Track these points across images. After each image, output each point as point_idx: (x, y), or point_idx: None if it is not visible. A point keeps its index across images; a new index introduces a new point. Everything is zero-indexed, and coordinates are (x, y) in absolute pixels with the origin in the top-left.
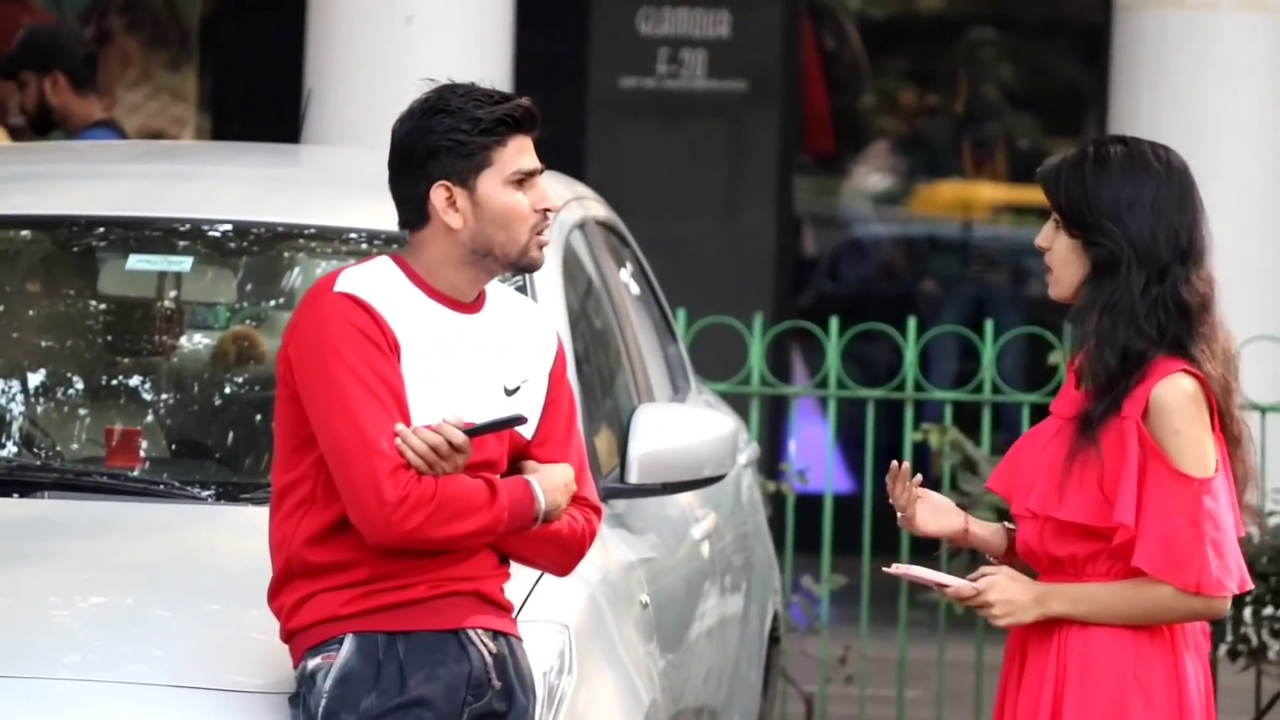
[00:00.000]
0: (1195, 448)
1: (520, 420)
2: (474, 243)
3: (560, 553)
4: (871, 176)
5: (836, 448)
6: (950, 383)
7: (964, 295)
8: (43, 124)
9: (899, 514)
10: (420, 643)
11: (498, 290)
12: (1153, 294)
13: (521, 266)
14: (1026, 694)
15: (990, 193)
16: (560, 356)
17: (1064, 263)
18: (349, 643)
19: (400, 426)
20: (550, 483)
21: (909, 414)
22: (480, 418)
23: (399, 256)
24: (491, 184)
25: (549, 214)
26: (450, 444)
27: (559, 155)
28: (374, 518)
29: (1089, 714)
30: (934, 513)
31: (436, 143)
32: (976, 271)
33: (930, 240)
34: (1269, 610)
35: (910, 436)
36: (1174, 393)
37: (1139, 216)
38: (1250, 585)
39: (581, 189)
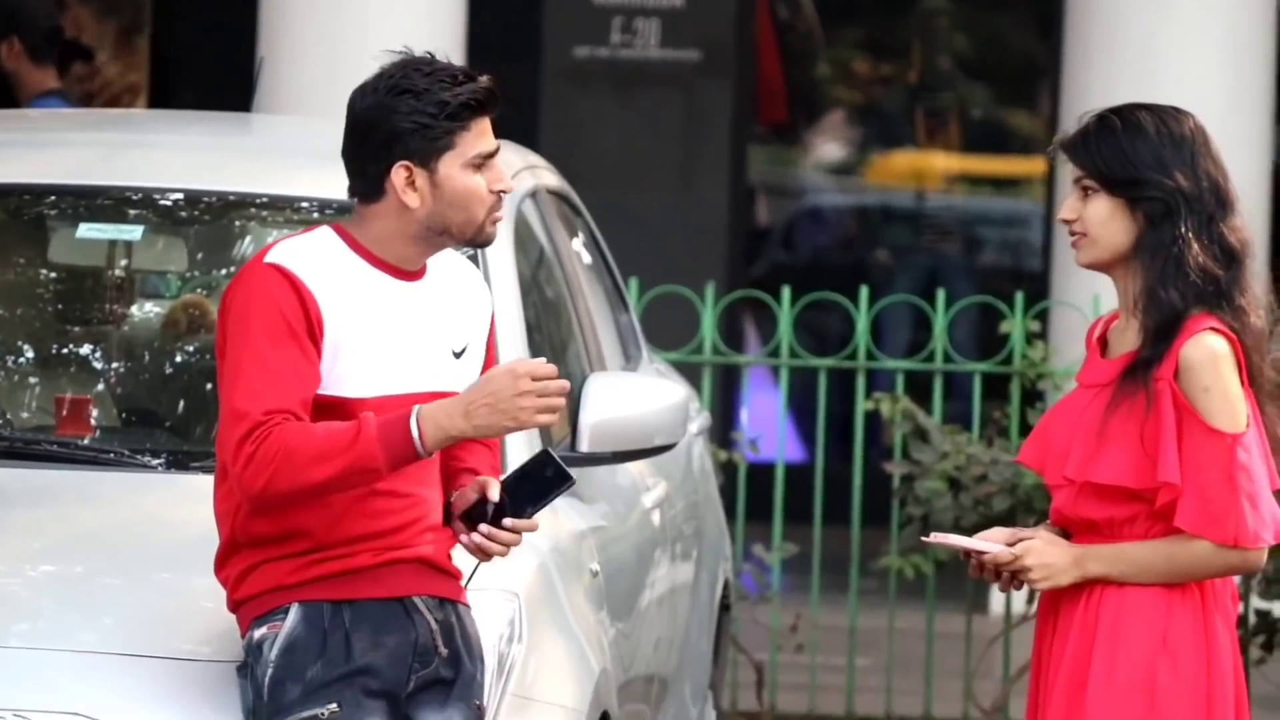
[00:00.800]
0: (1225, 403)
1: (572, 483)
2: (429, 221)
3: None
4: (825, 146)
5: (788, 416)
6: (902, 352)
7: (917, 265)
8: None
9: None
10: (365, 611)
11: (437, 256)
12: (1204, 240)
13: (476, 244)
14: (1058, 651)
15: (944, 162)
16: (492, 319)
17: (1105, 225)
18: (294, 612)
19: (475, 535)
20: (442, 408)
21: (861, 383)
22: (435, 382)
23: (341, 226)
24: (452, 167)
25: (503, 195)
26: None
27: (512, 124)
28: (232, 480)
29: (1115, 674)
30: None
31: (401, 124)
32: (929, 241)
33: (883, 210)
34: None
35: (862, 405)
36: (1201, 350)
37: (1182, 170)
38: None
39: (534, 158)
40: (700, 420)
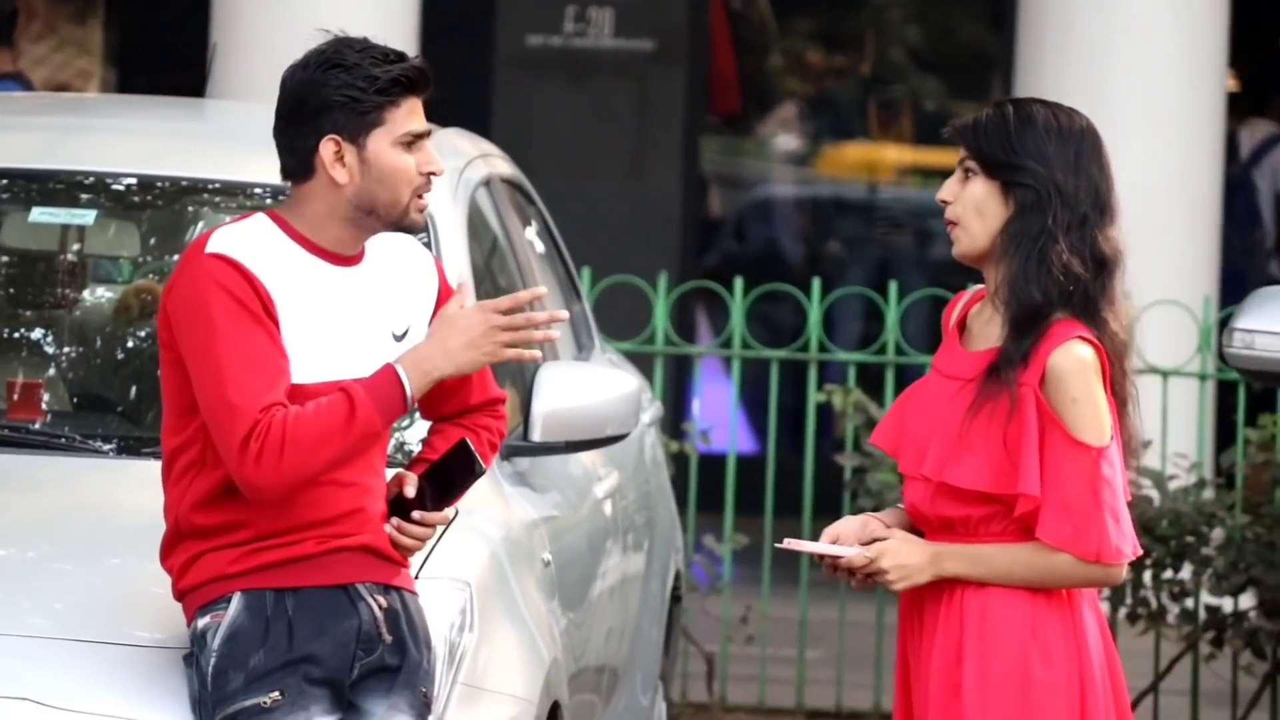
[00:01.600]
0: (1093, 415)
1: (480, 474)
2: (357, 199)
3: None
4: (778, 137)
5: (740, 408)
6: (854, 344)
7: (869, 257)
8: None
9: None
10: (308, 599)
11: (379, 238)
12: (1073, 239)
13: (402, 227)
14: (925, 653)
15: (896, 155)
16: (442, 282)
17: (978, 209)
18: (236, 601)
19: (388, 527)
20: (422, 355)
21: (813, 375)
22: (376, 367)
23: (276, 213)
24: (381, 143)
25: (433, 177)
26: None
27: (465, 112)
28: (239, 478)
29: (989, 673)
30: (859, 538)
31: (330, 97)
32: (881, 233)
33: (836, 202)
34: (1168, 574)
35: (814, 397)
36: (1071, 360)
37: (1063, 165)
38: (1140, 551)
39: (487, 146)
40: (652, 411)
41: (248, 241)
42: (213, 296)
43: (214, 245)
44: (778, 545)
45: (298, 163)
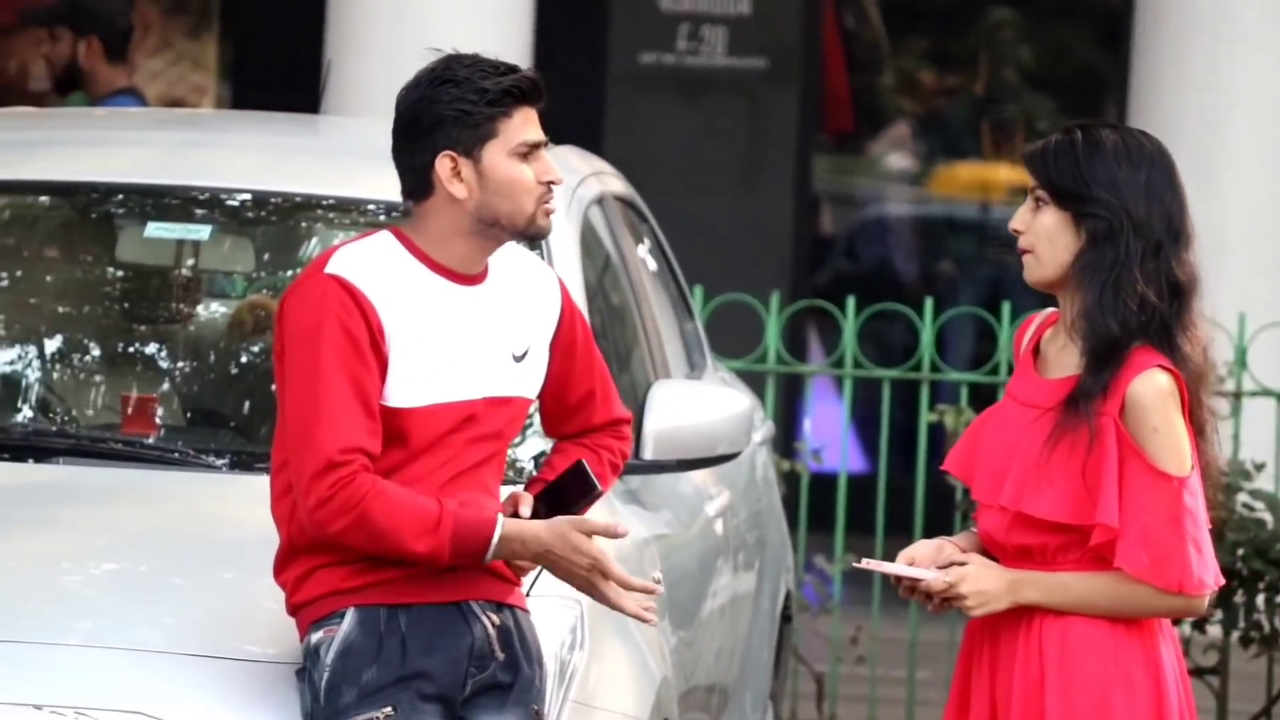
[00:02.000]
0: (1174, 445)
1: (598, 495)
2: (479, 213)
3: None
4: (890, 156)
5: (851, 427)
6: (966, 364)
7: (981, 276)
8: (67, 84)
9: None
10: (422, 615)
11: (505, 252)
12: (1148, 268)
13: (529, 235)
14: (1001, 682)
15: (1008, 174)
16: (565, 301)
17: (1050, 240)
18: (350, 616)
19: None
20: (519, 534)
21: (924, 395)
22: (494, 388)
23: (400, 230)
24: (496, 155)
25: (553, 186)
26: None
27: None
28: (302, 506)
29: (1073, 703)
30: (934, 561)
31: (442, 112)
32: (994, 253)
33: (948, 221)
34: None
35: (925, 417)
36: (1151, 389)
37: (1134, 193)
38: (1222, 581)
39: (600, 164)
40: (764, 430)
41: (367, 263)
42: (325, 323)
43: (334, 266)
44: (855, 565)
45: (416, 181)
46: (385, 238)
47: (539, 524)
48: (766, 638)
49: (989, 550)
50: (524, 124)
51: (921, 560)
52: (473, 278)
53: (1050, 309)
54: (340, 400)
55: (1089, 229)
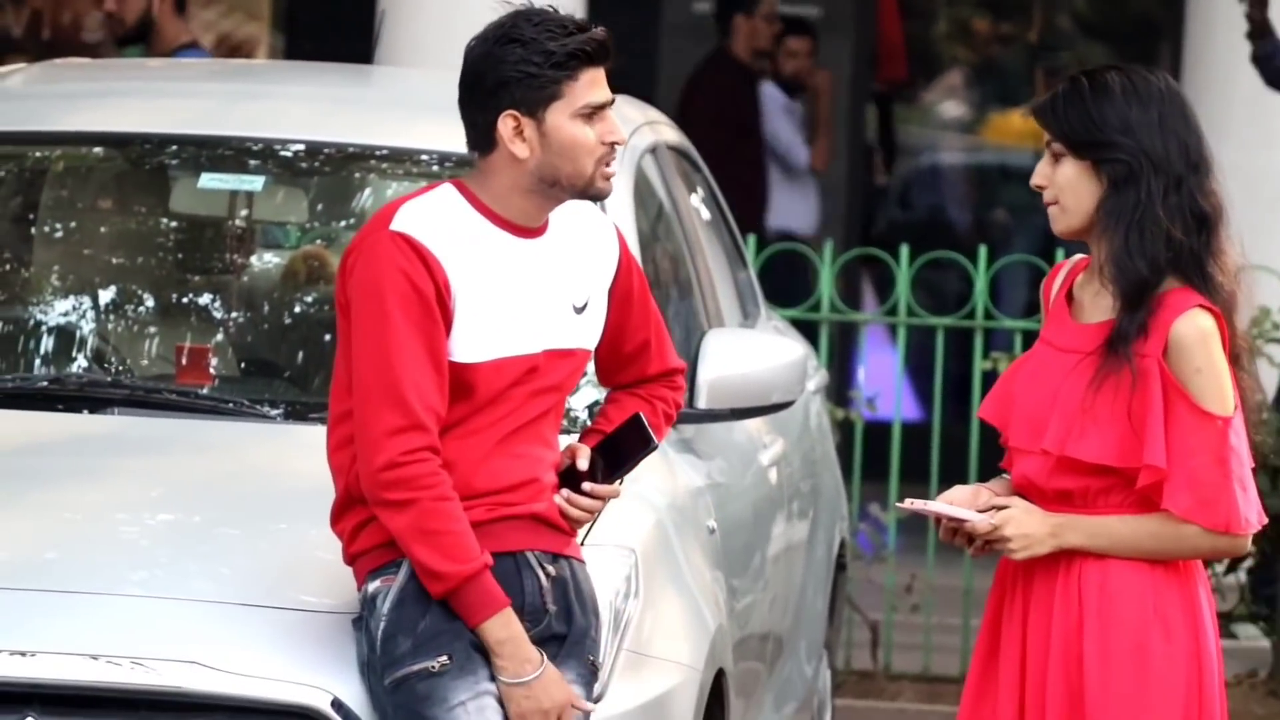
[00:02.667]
0: (1217, 385)
1: (654, 448)
2: (540, 172)
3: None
4: (944, 104)
5: (905, 375)
6: (1020, 311)
7: (1034, 224)
8: (134, 37)
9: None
10: None
11: (563, 208)
12: (1171, 203)
13: (589, 196)
14: (1035, 625)
15: None
16: (623, 251)
17: (1073, 190)
18: (406, 565)
19: (557, 497)
20: (512, 638)
21: (978, 342)
22: (555, 340)
23: (462, 183)
24: (560, 116)
25: (616, 146)
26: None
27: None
28: (366, 463)
29: (1109, 647)
30: (972, 506)
31: (507, 73)
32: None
33: (1001, 169)
34: None
35: (979, 365)
36: (1193, 330)
37: (1148, 131)
38: (1266, 520)
39: (654, 113)
40: (818, 378)
41: (432, 218)
42: (392, 281)
43: (399, 223)
44: (898, 505)
45: (479, 136)
46: (447, 191)
47: (535, 653)
48: (821, 586)
49: (1025, 496)
50: (589, 86)
51: (959, 504)
52: (534, 230)
53: (1080, 255)
54: (412, 359)
55: (1109, 174)
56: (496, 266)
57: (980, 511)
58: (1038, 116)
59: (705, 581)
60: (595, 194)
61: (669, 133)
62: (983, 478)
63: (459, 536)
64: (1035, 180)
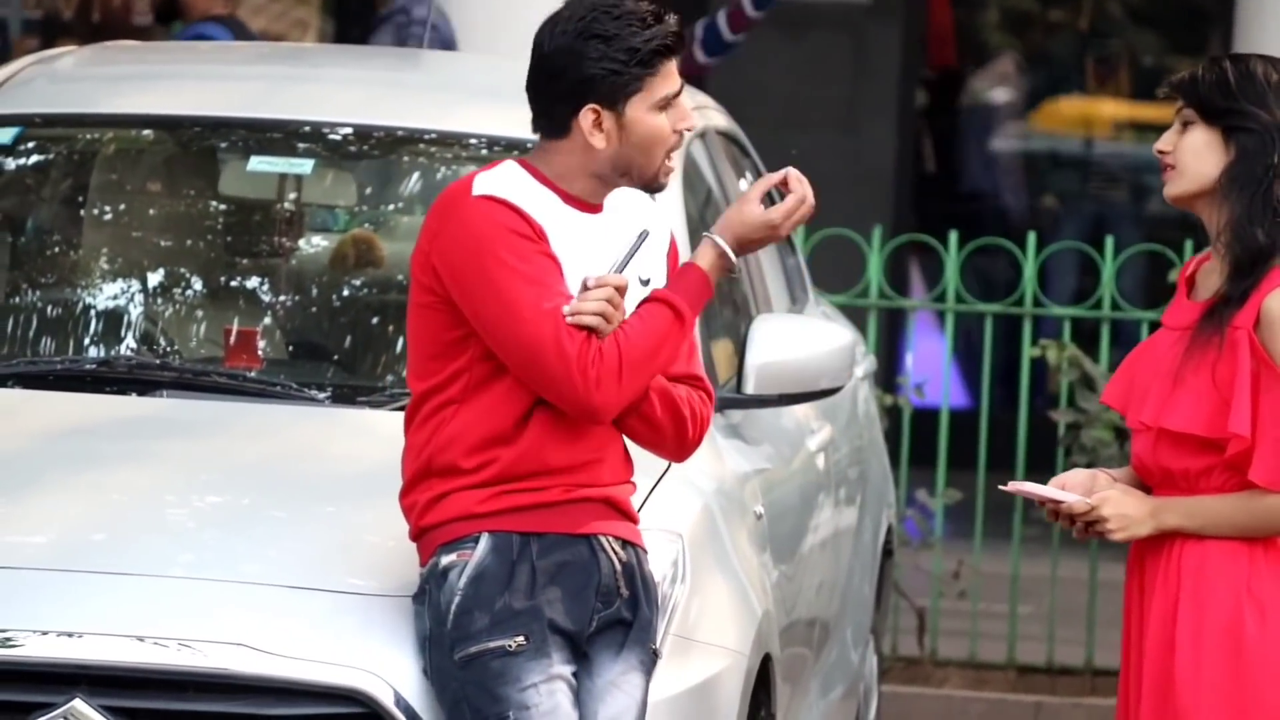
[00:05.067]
0: None
1: (645, 235)
2: (614, 161)
3: (678, 433)
4: (994, 91)
5: (954, 362)
6: (1069, 299)
7: (1084, 211)
8: (168, 13)
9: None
10: (553, 545)
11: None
12: None
13: (651, 189)
14: (1149, 608)
15: (1112, 109)
16: (673, 244)
17: (1196, 155)
18: (485, 541)
19: (566, 308)
20: (713, 251)
21: (1027, 329)
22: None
23: (525, 161)
24: (639, 110)
25: (684, 135)
26: (616, 289)
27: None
28: (578, 405)
29: (1203, 626)
30: (1086, 490)
31: (590, 70)
32: (1097, 188)
33: (1051, 156)
34: None
35: (1028, 352)
36: None
37: (1278, 106)
38: None
39: (703, 98)
40: (866, 364)
41: (512, 184)
42: (494, 236)
43: (481, 188)
44: (1001, 487)
45: (553, 125)
46: (513, 166)
47: (723, 227)
48: (868, 572)
49: (1143, 480)
50: (666, 78)
51: (1073, 488)
52: (596, 208)
53: (1208, 249)
54: (543, 292)
55: (1239, 143)
56: (569, 236)
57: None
58: (1174, 88)
59: (752, 567)
60: (657, 187)
61: (718, 118)
62: (1030, 465)
63: (656, 331)
64: (1160, 145)
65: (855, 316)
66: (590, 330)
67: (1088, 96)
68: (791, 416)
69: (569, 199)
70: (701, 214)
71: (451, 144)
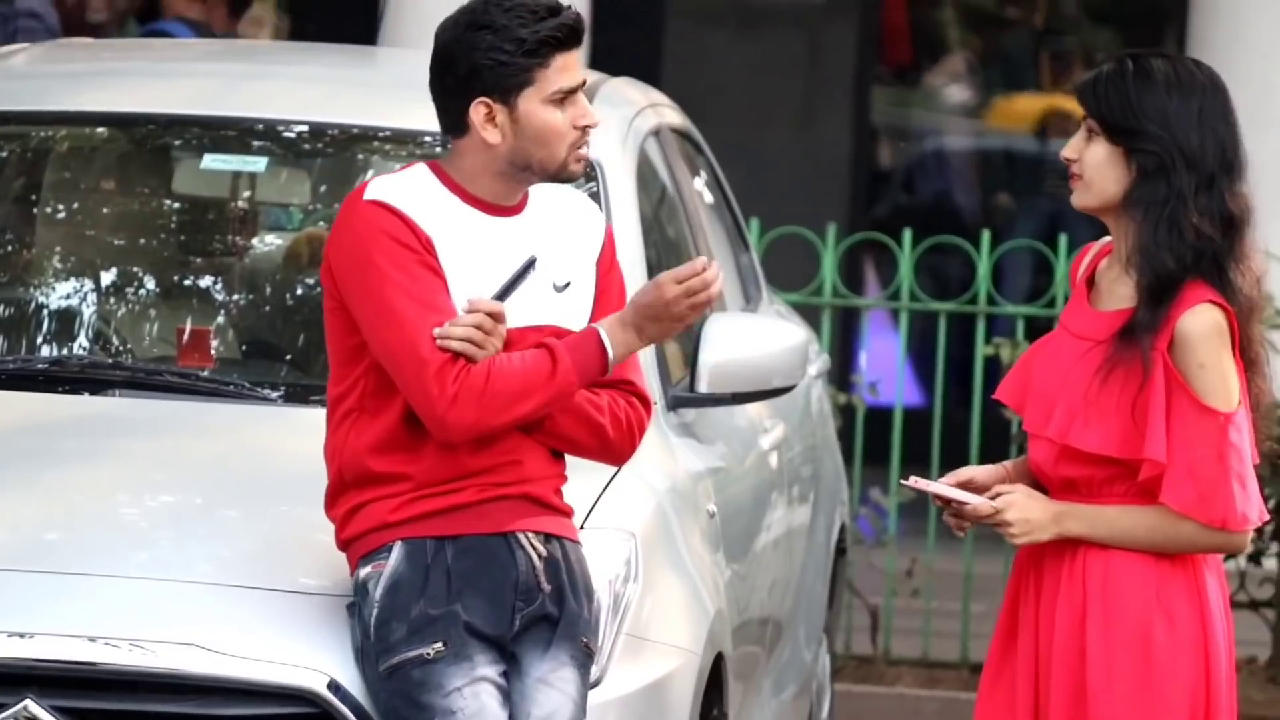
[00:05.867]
0: (1221, 381)
1: (532, 262)
2: (512, 157)
3: (599, 442)
4: (948, 88)
5: (908, 360)
6: (1023, 297)
7: (1038, 209)
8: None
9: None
10: (467, 547)
11: (542, 188)
12: (1202, 202)
13: (560, 179)
14: (1045, 614)
15: (1067, 107)
16: (608, 244)
17: (1100, 171)
18: (397, 550)
19: (437, 330)
20: (618, 327)
21: (981, 328)
22: (530, 316)
23: (436, 164)
24: (531, 103)
25: (588, 131)
26: (490, 315)
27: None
28: (432, 420)
29: (1112, 637)
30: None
31: (478, 60)
32: (1051, 186)
33: (1006, 154)
34: None
35: (981, 350)
36: (1200, 325)
37: (1186, 126)
38: (1267, 516)
39: (657, 96)
40: (819, 362)
41: (406, 189)
42: (376, 242)
43: (372, 192)
44: (902, 482)
45: (451, 121)
46: (421, 169)
47: (617, 316)
48: (821, 571)
49: (1038, 480)
50: (561, 71)
51: (982, 481)
52: (508, 209)
53: (1106, 239)
54: (418, 305)
55: (1139, 164)
56: (471, 241)
57: (991, 498)
58: (1078, 93)
59: (705, 565)
60: (567, 177)
61: (672, 115)
62: (984, 463)
63: (528, 371)
64: (1066, 152)
65: (810, 315)
66: (458, 355)
67: (1043, 94)
68: (744, 415)
69: (475, 202)
70: (655, 212)
71: (405, 141)
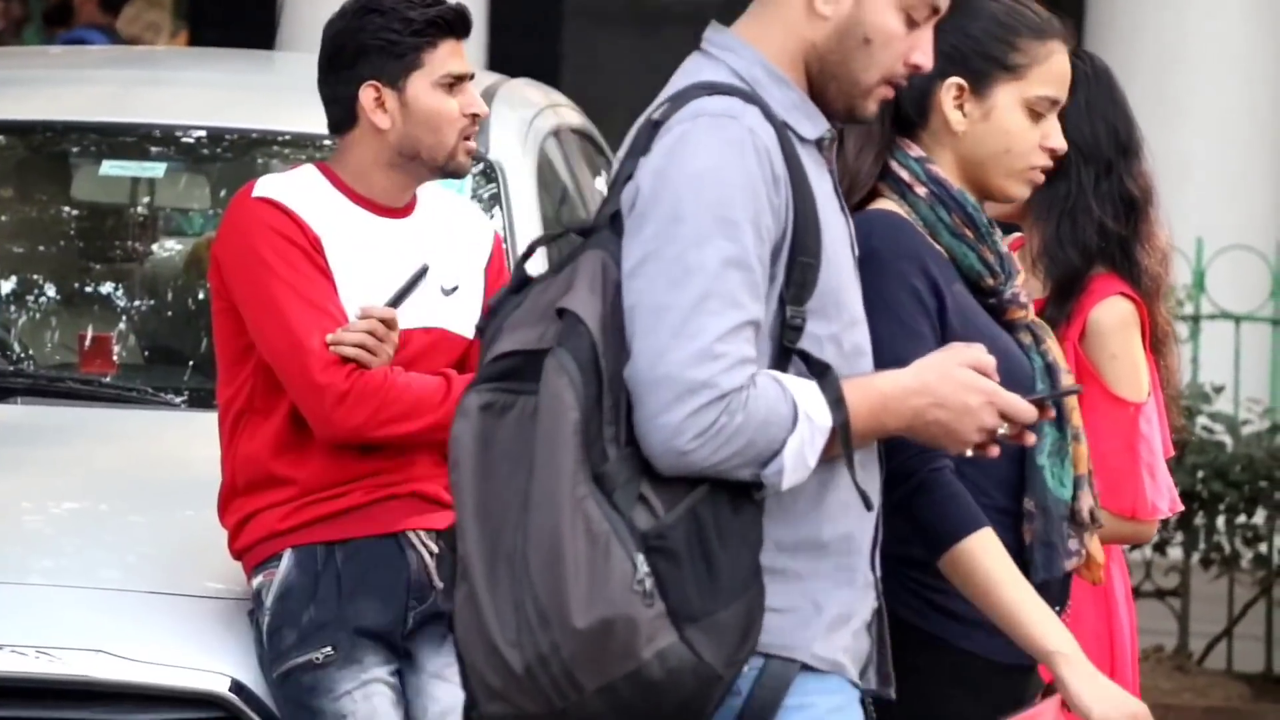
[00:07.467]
0: (1131, 371)
1: (424, 270)
2: (401, 144)
3: None
4: None
5: None
6: None
7: None
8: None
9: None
10: (356, 550)
11: (431, 192)
12: (1103, 190)
13: (448, 172)
14: None
15: None
16: (497, 251)
17: None
18: (287, 558)
19: (329, 335)
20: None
21: None
22: (418, 319)
23: (324, 165)
24: (420, 85)
25: (477, 120)
26: (382, 322)
27: (535, 64)
28: (316, 417)
29: None
30: None
31: (367, 41)
32: None
33: None
34: (1241, 519)
35: None
36: (1111, 316)
37: (1075, 119)
38: (1179, 506)
39: (556, 96)
40: None
41: (295, 188)
42: (263, 238)
43: (260, 190)
44: None
45: (341, 112)
46: (308, 170)
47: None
48: None
49: None
50: (449, 55)
51: None
52: (397, 211)
53: (1016, 234)
54: (305, 302)
55: None
56: (359, 241)
57: None
58: None
59: None
60: (455, 169)
61: (572, 115)
62: None
63: (419, 394)
64: None
65: None
66: (350, 360)
67: None
68: None
69: (364, 202)
70: (556, 213)
71: (306, 145)
